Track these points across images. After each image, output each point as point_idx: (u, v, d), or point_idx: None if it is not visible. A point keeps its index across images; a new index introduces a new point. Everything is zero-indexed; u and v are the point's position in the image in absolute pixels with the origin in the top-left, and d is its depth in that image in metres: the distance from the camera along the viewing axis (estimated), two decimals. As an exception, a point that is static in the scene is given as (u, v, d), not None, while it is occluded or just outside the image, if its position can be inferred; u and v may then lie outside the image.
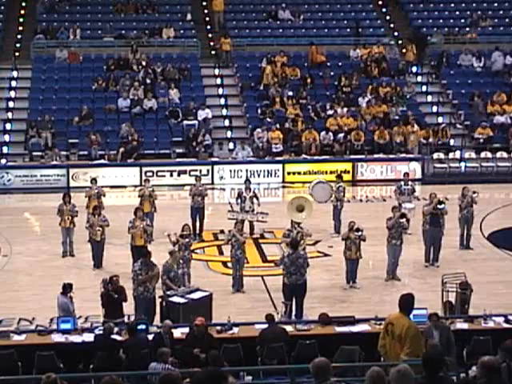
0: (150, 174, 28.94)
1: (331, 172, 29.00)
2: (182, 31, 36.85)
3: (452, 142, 32.30)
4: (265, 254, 21.51)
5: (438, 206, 20.16)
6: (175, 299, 16.01)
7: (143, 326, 14.35)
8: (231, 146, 31.40)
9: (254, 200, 22.83)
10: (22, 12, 37.66)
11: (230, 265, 19.33)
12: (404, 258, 20.23)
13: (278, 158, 30.46)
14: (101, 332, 14.25)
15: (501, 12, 39.12)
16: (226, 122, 33.21)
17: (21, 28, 36.88)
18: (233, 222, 20.13)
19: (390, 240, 19.32)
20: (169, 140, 31.51)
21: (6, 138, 31.37)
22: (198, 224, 22.84)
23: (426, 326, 13.55)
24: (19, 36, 36.50)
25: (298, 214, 21.94)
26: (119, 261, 20.32)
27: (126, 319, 15.73)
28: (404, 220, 19.91)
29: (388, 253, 19.44)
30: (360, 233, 18.62)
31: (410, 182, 23.59)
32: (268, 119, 32.14)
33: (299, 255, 16.72)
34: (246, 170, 29.46)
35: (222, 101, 34.04)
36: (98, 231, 20.18)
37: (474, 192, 21.61)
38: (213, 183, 29.30)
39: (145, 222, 19.85)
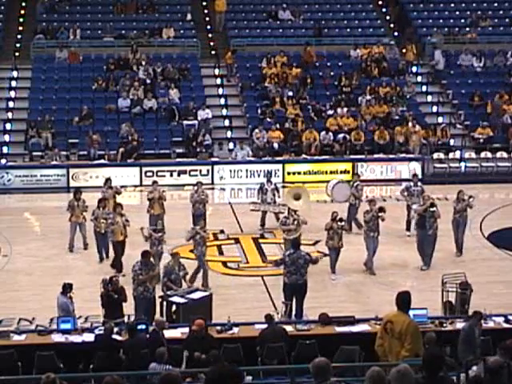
0: (150, 173, 28.91)
1: (331, 172, 29.02)
2: (182, 31, 36.82)
3: (452, 142, 32.27)
4: (265, 254, 21.49)
5: (430, 209, 20.01)
6: (175, 299, 16.02)
7: (143, 326, 14.35)
8: (231, 145, 31.36)
9: (275, 192, 23.36)
10: (22, 12, 37.64)
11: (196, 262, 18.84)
12: (404, 259, 20.16)
13: (277, 158, 30.41)
14: (101, 332, 14.25)
15: (501, 12, 39.07)
16: (226, 122, 33.18)
17: (21, 28, 36.87)
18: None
19: (368, 233, 19.68)
20: (169, 140, 31.50)
21: (6, 138, 31.34)
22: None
23: (468, 324, 13.60)
24: (19, 36, 36.48)
25: (294, 202, 22.64)
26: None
27: (125, 319, 15.73)
28: (383, 214, 19.93)
29: (367, 246, 19.73)
30: (343, 223, 19.53)
31: (419, 183, 23.24)
32: (268, 119, 32.12)
33: (300, 255, 16.78)
34: (246, 170, 29.45)
35: (222, 101, 34.02)
36: (102, 223, 20.33)
37: (471, 197, 21.20)
38: (213, 183, 29.26)
39: (124, 217, 19.98)
